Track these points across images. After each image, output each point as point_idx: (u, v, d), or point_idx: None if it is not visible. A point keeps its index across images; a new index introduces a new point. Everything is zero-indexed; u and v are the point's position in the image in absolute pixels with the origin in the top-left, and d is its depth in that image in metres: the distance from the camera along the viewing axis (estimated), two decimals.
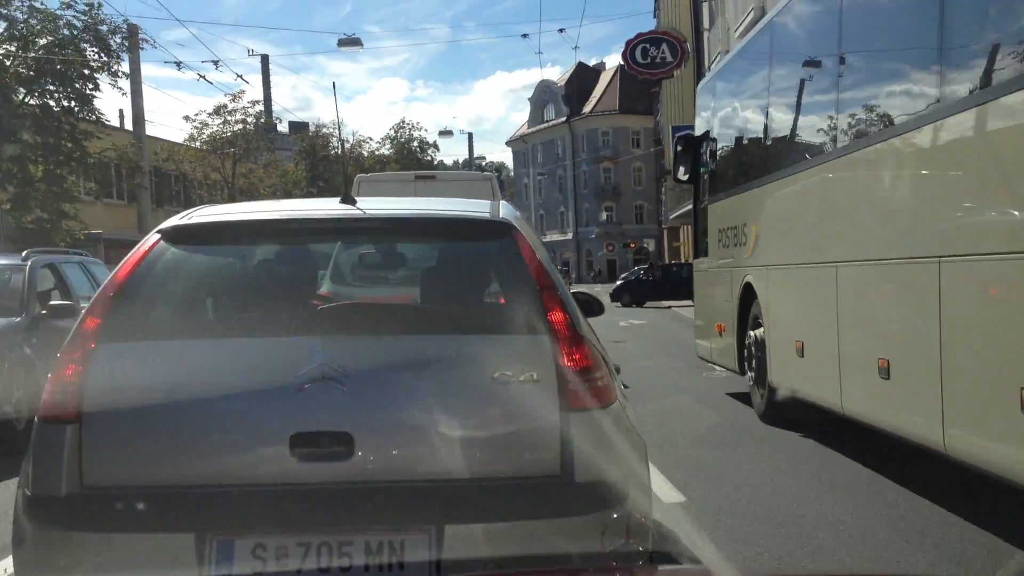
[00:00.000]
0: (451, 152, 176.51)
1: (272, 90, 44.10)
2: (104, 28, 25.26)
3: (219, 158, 38.23)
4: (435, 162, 62.05)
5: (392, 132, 58.84)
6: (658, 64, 32.33)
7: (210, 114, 38.21)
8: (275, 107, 44.04)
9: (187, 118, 41.46)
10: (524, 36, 64.80)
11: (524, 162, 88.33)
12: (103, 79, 25.77)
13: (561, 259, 73.95)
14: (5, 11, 24.49)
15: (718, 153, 10.31)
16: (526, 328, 3.07)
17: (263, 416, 2.91)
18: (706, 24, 33.75)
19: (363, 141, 53.78)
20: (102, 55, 25.51)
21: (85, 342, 3.00)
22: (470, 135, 73.16)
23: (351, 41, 36.66)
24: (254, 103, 39.87)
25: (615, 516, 2.19)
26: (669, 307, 29.99)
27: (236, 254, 3.69)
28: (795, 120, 8.04)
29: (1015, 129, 4.46)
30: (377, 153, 53.79)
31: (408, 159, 54.81)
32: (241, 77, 51.19)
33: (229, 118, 38.16)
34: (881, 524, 5.14)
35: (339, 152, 48.75)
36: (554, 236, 77.92)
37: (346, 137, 51.18)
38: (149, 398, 2.93)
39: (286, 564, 2.77)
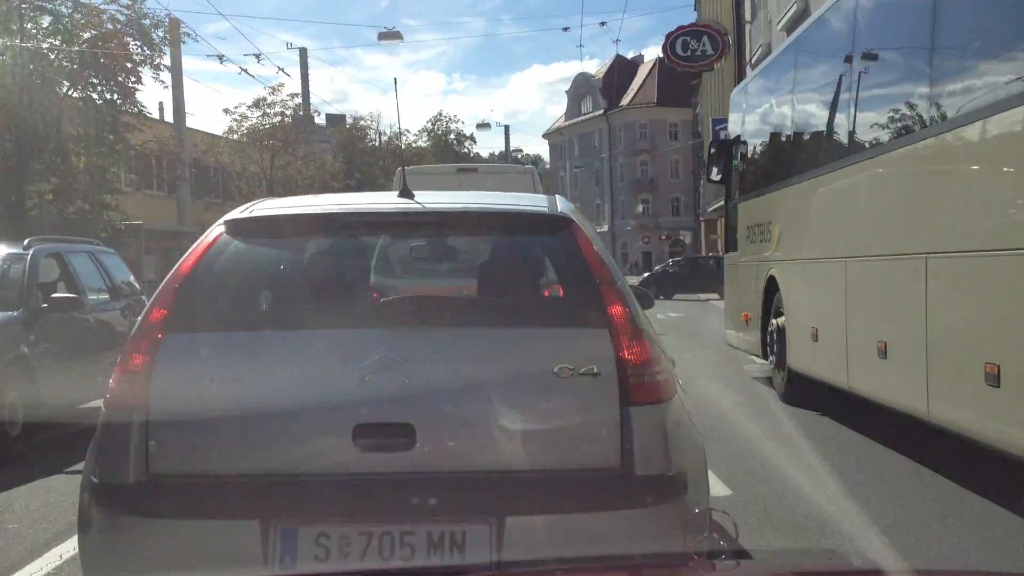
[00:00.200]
0: (488, 145, 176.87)
1: (310, 83, 44.27)
2: (147, 22, 25.48)
3: (258, 150, 38.45)
4: (471, 154, 62.11)
5: (429, 125, 58.99)
6: (698, 57, 32.06)
7: (249, 107, 38.44)
8: (313, 99, 44.18)
9: (227, 111, 41.81)
10: (565, 29, 65.22)
11: (561, 155, 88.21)
12: (145, 72, 26.01)
13: None
14: (50, 5, 24.77)
15: (747, 156, 11.28)
16: (586, 322, 3.09)
17: (326, 407, 2.94)
18: (748, 16, 33.45)
19: (401, 134, 53.88)
20: (144, 49, 25.73)
21: (152, 332, 3.05)
22: (506, 128, 73.50)
23: (391, 34, 36.75)
24: (293, 96, 40.07)
25: (697, 511, 2.18)
26: (707, 299, 29.82)
27: (297, 247, 3.74)
28: (811, 131, 9.11)
29: (989, 148, 5.39)
30: (415, 146, 53.88)
31: (445, 152, 54.87)
32: (283, 70, 51.70)
33: (268, 111, 38.37)
34: (892, 495, 5.74)
35: (376, 144, 48.88)
36: None
37: (383, 130, 51.33)
38: (214, 388, 2.99)
39: (349, 553, 2.80)
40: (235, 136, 38.66)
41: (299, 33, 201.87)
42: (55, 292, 8.66)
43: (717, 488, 5.43)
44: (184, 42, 28.91)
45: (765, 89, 11.07)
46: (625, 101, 78.32)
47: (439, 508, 2.85)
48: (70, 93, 25.43)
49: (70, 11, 24.85)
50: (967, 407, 5.54)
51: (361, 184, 42.57)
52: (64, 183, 25.54)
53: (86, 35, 24.90)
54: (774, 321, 9.62)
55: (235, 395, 2.97)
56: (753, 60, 30.95)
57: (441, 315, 3.30)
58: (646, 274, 39.34)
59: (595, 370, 2.96)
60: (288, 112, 39.43)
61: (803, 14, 22.80)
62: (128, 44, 25.38)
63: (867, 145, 7.18)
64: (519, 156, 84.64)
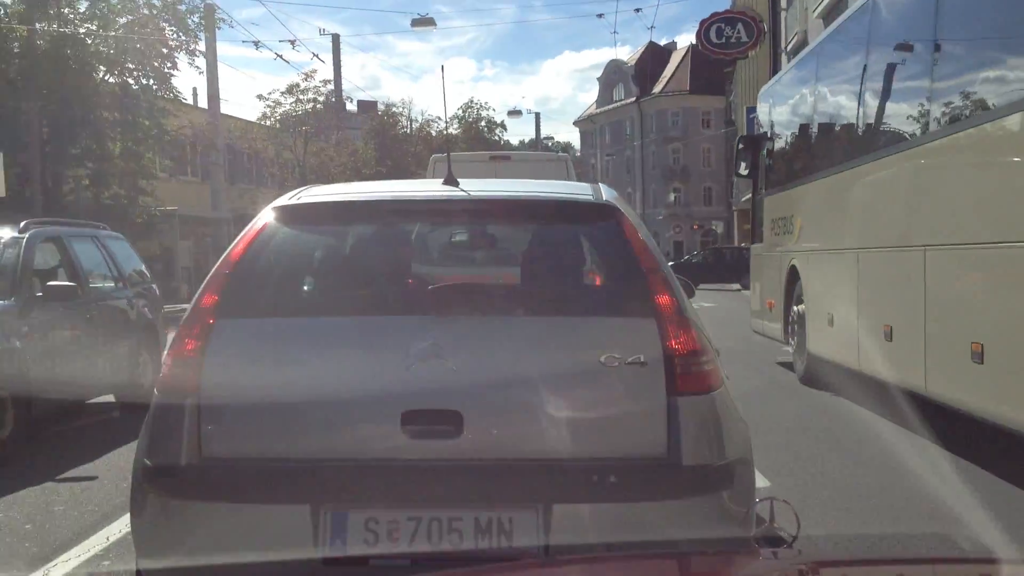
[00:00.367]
0: (518, 132, 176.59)
1: (342, 69, 44.37)
2: (183, 7, 25.64)
3: (291, 136, 38.62)
4: (502, 142, 62.03)
5: (460, 112, 58.98)
6: (733, 44, 31.73)
7: (283, 93, 38.60)
8: (345, 86, 44.32)
9: (260, 97, 42.00)
10: (599, 16, 64.93)
11: (591, 142, 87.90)
12: (181, 58, 26.19)
13: None
14: None
15: (772, 153, 12.05)
16: (633, 311, 3.09)
17: (375, 393, 2.96)
18: (783, 3, 33.10)
19: (431, 121, 53.97)
20: (180, 34, 25.90)
21: (204, 317, 3.07)
22: (537, 115, 73.06)
23: (425, 21, 36.73)
24: (325, 82, 40.18)
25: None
26: (738, 289, 29.68)
27: (343, 234, 3.76)
28: (828, 133, 9.95)
29: (978, 154, 6.14)
30: (445, 133, 53.91)
31: (476, 139, 54.85)
32: (317, 56, 51.84)
33: (301, 97, 38.51)
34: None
35: (408, 131, 48.93)
36: None
37: (415, 117, 51.39)
38: (265, 373, 3.02)
39: (397, 538, 2.82)
40: (268, 122, 38.86)
41: (331, 19, 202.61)
42: (55, 280, 7.98)
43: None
44: (219, 28, 29.10)
45: (788, 91, 11.88)
46: (657, 88, 77.83)
47: (486, 494, 2.87)
48: (106, 78, 25.64)
49: None
50: (958, 383, 6.22)
51: (392, 171, 42.67)
52: (100, 168, 25.79)
53: (122, 20, 25.08)
54: (795, 308, 10.37)
55: (285, 380, 3.00)
56: (788, 47, 30.64)
57: (489, 303, 3.30)
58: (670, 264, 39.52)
59: (642, 360, 2.96)
60: (321, 99, 39.56)
61: (840, 2, 22.54)
62: (164, 30, 25.55)
63: (872, 148, 8.08)
64: (549, 144, 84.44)
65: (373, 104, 53.07)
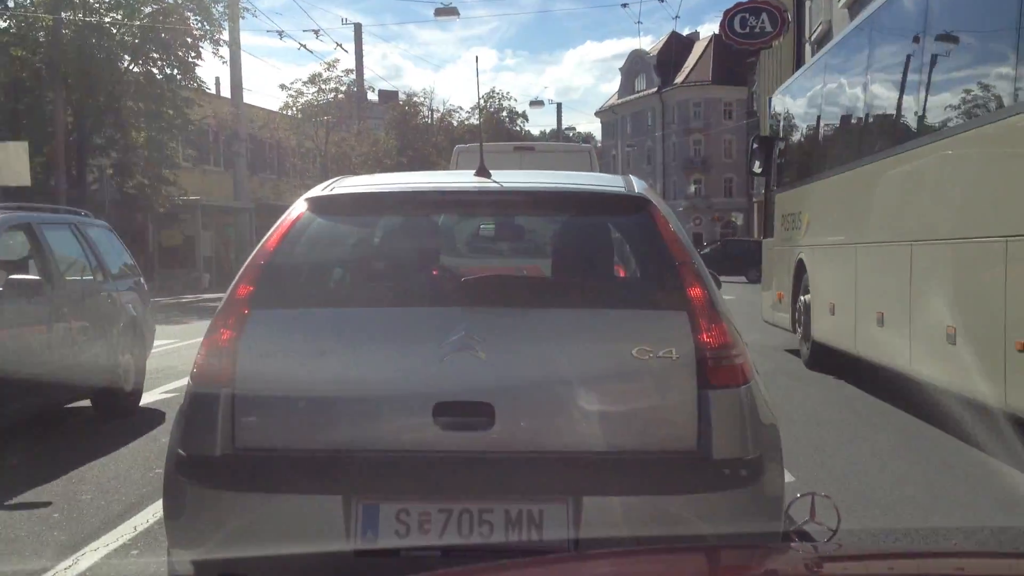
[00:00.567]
0: (539, 122, 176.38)
1: (364, 59, 44.38)
2: None
3: (313, 126, 38.69)
4: (523, 132, 61.96)
5: (482, 102, 58.86)
6: (757, 34, 31.51)
7: (305, 83, 38.67)
8: (366, 75, 44.32)
9: (283, 86, 42.07)
10: (624, 6, 64.39)
11: (612, 133, 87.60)
12: (205, 47, 26.28)
13: None
14: None
15: (783, 153, 12.80)
16: (665, 303, 3.08)
17: (408, 384, 2.96)
18: None
19: (453, 111, 53.96)
20: (204, 24, 25.98)
21: (239, 308, 3.08)
22: (559, 105, 73.08)
23: (448, 11, 36.74)
24: (348, 72, 40.22)
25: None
26: (745, 281, 29.51)
27: (377, 225, 3.79)
28: (830, 135, 10.79)
29: (954, 160, 6.95)
30: (467, 123, 53.89)
31: (497, 129, 54.79)
32: (341, 46, 51.99)
33: (324, 87, 38.56)
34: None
35: (429, 121, 48.90)
36: None
37: (436, 107, 51.36)
38: (298, 364, 3.02)
39: (428, 529, 2.82)
40: (290, 112, 38.95)
41: (353, 8, 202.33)
42: (23, 273, 7.06)
43: None
44: (243, 17, 29.19)
45: (797, 95, 12.76)
46: (679, 79, 77.46)
47: (517, 486, 2.87)
48: (131, 68, 25.77)
49: None
50: (936, 362, 7.01)
51: (413, 161, 42.71)
52: (124, 158, 25.95)
53: (147, 9, 25.17)
54: (802, 298, 11.17)
55: (319, 371, 3.00)
56: (812, 38, 30.40)
57: (521, 295, 3.30)
58: None
59: (673, 353, 2.95)
60: (342, 88, 39.61)
61: None
62: (188, 19, 25.63)
63: (867, 152, 8.95)
64: (570, 134, 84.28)
65: (394, 94, 53.17)
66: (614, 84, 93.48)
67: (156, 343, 14.37)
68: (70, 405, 7.93)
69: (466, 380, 2.92)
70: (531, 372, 2.97)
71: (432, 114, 50.57)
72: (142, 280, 9.42)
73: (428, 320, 3.07)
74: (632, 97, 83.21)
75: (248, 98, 33.74)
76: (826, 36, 26.32)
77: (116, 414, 7.93)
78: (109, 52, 24.70)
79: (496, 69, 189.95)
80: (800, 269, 11.25)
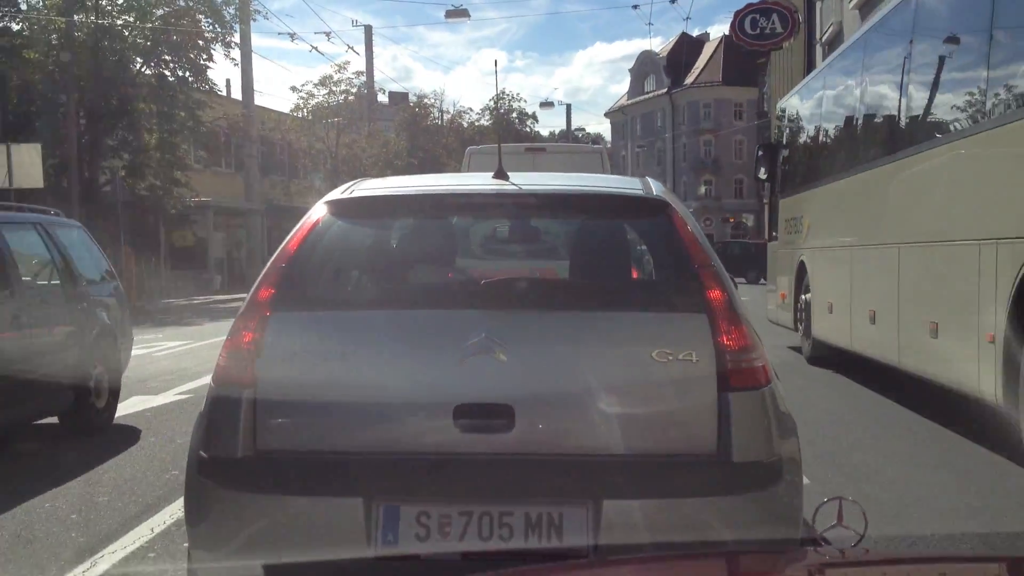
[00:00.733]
0: (548, 123, 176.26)
1: (374, 60, 44.43)
2: (218, 0, 25.78)
3: (324, 128, 38.77)
4: (532, 133, 61.95)
5: (492, 103, 58.95)
6: (767, 35, 31.42)
7: (316, 85, 38.75)
8: (377, 76, 44.40)
9: (294, 88, 42.17)
10: (635, 7, 64.56)
11: (622, 134, 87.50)
12: (217, 50, 26.35)
13: None
14: None
15: (786, 160, 13.53)
16: (685, 306, 3.07)
17: (428, 386, 2.96)
18: None
19: (463, 112, 54.01)
20: (216, 26, 26.06)
21: (260, 310, 3.09)
22: (568, 106, 73.18)
23: (459, 12, 36.80)
24: (358, 74, 40.30)
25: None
26: (743, 282, 29.51)
27: (396, 227, 3.81)
28: (827, 144, 11.59)
29: (933, 171, 7.61)
30: (477, 124, 53.93)
31: (506, 130, 54.84)
32: (352, 49, 52.05)
33: (334, 88, 38.65)
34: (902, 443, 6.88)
35: (439, 123, 48.94)
36: None
37: (446, 108, 51.40)
38: (319, 366, 3.03)
39: (448, 532, 2.82)
40: (301, 114, 39.04)
41: (364, 10, 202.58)
42: None
43: None
44: (255, 20, 29.25)
45: (798, 106, 13.44)
46: (689, 80, 77.37)
47: (537, 489, 2.87)
48: (143, 70, 25.86)
49: None
50: (921, 355, 7.65)
51: (424, 163, 42.75)
52: (136, 160, 26.02)
53: (159, 12, 25.26)
54: (803, 298, 11.88)
55: (339, 373, 3.01)
56: (823, 39, 30.32)
57: (541, 297, 3.30)
58: None
59: (693, 356, 2.95)
60: (353, 90, 39.69)
61: None
62: (200, 21, 25.71)
63: (860, 161, 9.68)
64: (580, 135, 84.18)
65: (404, 95, 53.22)
66: (624, 85, 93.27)
67: (169, 345, 14.53)
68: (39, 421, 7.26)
69: (486, 382, 2.91)
70: (551, 374, 2.96)
71: (443, 116, 50.62)
72: (119, 285, 8.80)
73: (448, 322, 3.07)
74: (642, 98, 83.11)
75: (259, 100, 33.86)
76: (837, 37, 26.24)
77: (85, 432, 7.26)
78: (121, 55, 24.79)
79: (506, 70, 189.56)
80: (801, 271, 11.95)
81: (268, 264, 3.26)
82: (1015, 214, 6.10)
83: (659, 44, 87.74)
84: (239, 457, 2.95)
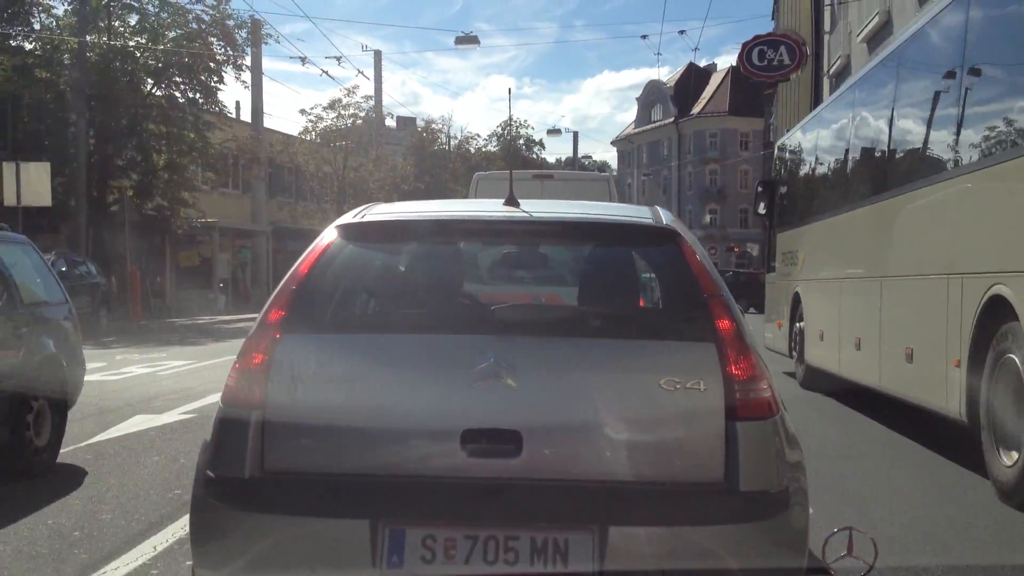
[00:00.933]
0: (555, 150, 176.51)
1: (383, 85, 44.71)
2: (231, 23, 25.99)
3: (331, 151, 38.95)
4: (539, 160, 62.14)
5: (499, 129, 59.19)
6: (775, 67, 31.51)
7: (325, 108, 38.96)
8: (385, 100, 44.67)
9: (303, 111, 42.39)
10: (643, 37, 65.42)
11: (628, 162, 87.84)
12: (228, 72, 26.54)
13: None
14: (138, 4, 25.37)
15: (783, 197, 14.51)
16: (693, 335, 3.08)
17: (436, 411, 2.97)
18: (827, 27, 32.92)
19: (471, 138, 54.23)
20: (228, 49, 26.24)
21: (270, 332, 3.10)
22: (575, 134, 73.05)
23: (468, 39, 37.05)
24: (367, 98, 40.51)
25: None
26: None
27: (407, 252, 3.82)
28: (818, 184, 12.60)
29: (912, 212, 8.28)
30: (484, 150, 54.13)
31: (514, 157, 55.02)
32: (362, 73, 52.28)
33: (343, 112, 38.85)
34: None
35: (447, 148, 49.11)
36: None
37: (454, 134, 51.61)
38: (328, 388, 3.04)
39: (454, 556, 2.82)
40: (310, 137, 39.24)
41: (373, 35, 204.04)
42: None
43: None
44: (266, 43, 29.46)
45: (794, 146, 14.43)
46: (696, 109, 77.74)
47: (543, 514, 2.86)
48: (154, 91, 26.02)
49: (157, 10, 25.43)
50: (898, 378, 8.35)
51: (431, 188, 42.89)
52: (144, 180, 26.14)
53: (171, 34, 25.46)
54: (797, 325, 12.71)
55: (348, 396, 3.02)
56: (831, 71, 30.46)
57: (550, 324, 3.31)
58: None
59: (701, 385, 2.95)
60: (361, 114, 39.90)
61: (885, 26, 22.37)
62: (212, 44, 25.90)
63: (846, 201, 10.54)
64: (586, 163, 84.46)
65: (412, 120, 53.48)
66: (631, 113, 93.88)
67: (173, 364, 14.54)
68: None
69: (494, 407, 2.92)
70: (559, 400, 2.97)
71: (450, 141, 50.83)
72: (71, 308, 7.74)
73: (457, 347, 3.08)
74: (649, 127, 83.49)
75: (268, 122, 34.03)
76: (845, 70, 26.39)
77: (20, 474, 6.34)
78: (133, 75, 24.98)
79: (514, 97, 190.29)
80: (796, 301, 12.82)
81: (279, 286, 3.27)
82: (977, 251, 6.80)
83: (667, 74, 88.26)
84: (246, 477, 2.95)
